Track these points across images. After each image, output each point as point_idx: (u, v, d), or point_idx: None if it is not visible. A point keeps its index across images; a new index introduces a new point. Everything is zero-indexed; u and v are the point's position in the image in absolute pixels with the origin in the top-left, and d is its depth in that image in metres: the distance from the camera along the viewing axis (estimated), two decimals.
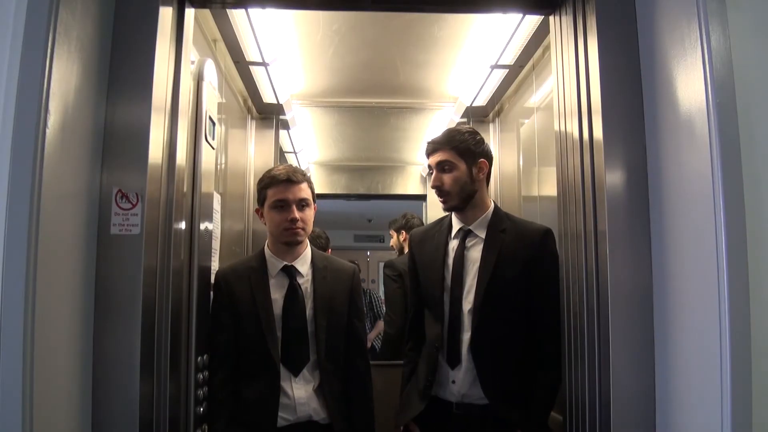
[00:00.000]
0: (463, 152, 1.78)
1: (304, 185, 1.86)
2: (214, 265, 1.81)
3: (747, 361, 1.01)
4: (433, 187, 1.81)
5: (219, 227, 1.85)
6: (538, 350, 1.71)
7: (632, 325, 1.26)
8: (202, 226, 1.63)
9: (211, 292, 1.80)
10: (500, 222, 1.82)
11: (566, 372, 1.47)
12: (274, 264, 1.86)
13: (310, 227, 1.89)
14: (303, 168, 4.19)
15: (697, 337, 1.09)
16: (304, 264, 1.89)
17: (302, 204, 1.85)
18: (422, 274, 1.87)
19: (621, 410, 1.24)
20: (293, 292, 1.82)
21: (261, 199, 1.89)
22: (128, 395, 1.21)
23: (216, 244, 1.82)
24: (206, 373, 1.67)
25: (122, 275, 1.24)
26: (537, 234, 1.76)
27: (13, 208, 0.99)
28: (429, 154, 1.83)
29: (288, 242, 1.85)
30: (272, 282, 1.83)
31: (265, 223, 1.89)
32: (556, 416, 1.75)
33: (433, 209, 3.88)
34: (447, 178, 1.78)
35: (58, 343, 1.11)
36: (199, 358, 1.59)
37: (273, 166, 3.03)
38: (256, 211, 1.93)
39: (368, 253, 8.09)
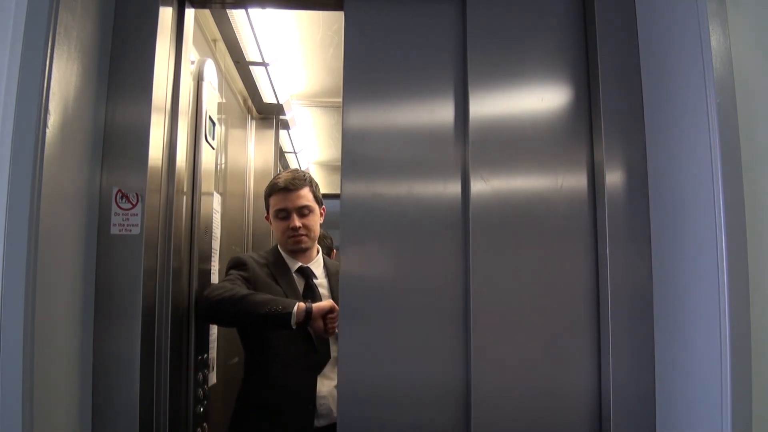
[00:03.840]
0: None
1: (305, 191, 1.85)
2: (214, 266, 1.81)
3: (747, 361, 1.01)
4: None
5: (219, 227, 1.86)
6: None
7: (632, 325, 1.26)
8: (202, 226, 1.63)
9: (231, 270, 1.81)
10: None
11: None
12: (291, 263, 1.87)
13: (315, 233, 1.89)
14: (303, 168, 4.22)
15: (698, 336, 1.09)
16: (318, 267, 1.92)
17: (303, 211, 1.85)
18: None
19: (621, 410, 1.24)
20: (310, 291, 1.85)
21: (267, 207, 1.92)
22: (128, 395, 1.21)
23: (216, 244, 1.82)
24: (206, 372, 1.67)
25: (122, 275, 1.24)
26: None
27: (13, 208, 0.99)
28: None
29: (293, 250, 1.86)
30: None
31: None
32: None
33: None
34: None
35: (58, 343, 1.10)
36: (199, 358, 1.59)
37: (273, 166, 3.04)
38: (266, 218, 1.95)
39: None
